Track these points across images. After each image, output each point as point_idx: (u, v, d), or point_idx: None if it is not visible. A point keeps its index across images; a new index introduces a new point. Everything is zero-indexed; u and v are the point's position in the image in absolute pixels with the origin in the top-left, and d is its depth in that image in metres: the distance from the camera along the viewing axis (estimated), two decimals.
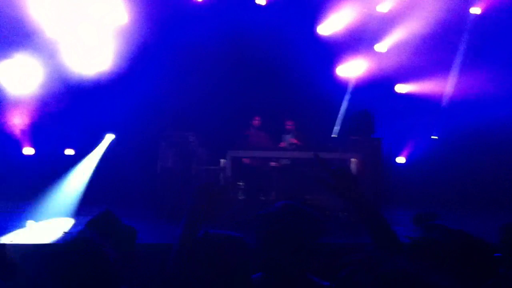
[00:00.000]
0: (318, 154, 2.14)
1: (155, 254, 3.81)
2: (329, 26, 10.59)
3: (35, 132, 9.55)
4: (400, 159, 10.80)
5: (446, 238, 1.79)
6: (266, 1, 10.39)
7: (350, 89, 10.55)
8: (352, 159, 8.09)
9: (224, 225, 2.50)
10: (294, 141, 9.15)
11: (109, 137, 9.94)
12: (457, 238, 1.79)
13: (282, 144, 9.18)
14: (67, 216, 7.31)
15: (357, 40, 10.49)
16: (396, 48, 10.44)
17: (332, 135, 8.35)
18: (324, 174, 2.05)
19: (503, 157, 10.06)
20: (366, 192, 2.04)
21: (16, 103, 9.23)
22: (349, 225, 6.60)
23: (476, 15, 10.31)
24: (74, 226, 6.55)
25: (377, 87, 10.55)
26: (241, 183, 8.35)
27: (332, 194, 2.02)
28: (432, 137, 10.77)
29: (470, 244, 1.79)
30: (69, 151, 9.87)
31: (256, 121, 9.35)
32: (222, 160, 8.40)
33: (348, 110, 9.20)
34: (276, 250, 1.99)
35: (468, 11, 10.34)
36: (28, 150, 9.62)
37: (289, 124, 9.36)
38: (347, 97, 10.46)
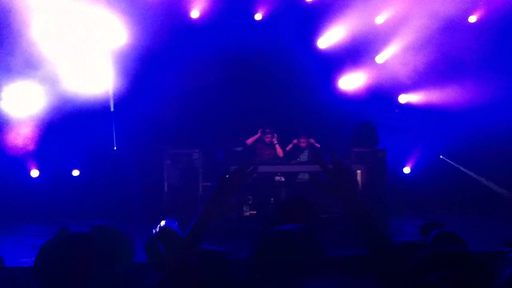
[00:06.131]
0: (316, 155, 2.16)
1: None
2: (329, 39, 10.64)
3: (40, 155, 9.60)
4: (406, 169, 10.78)
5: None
6: (262, 16, 10.45)
7: (352, 101, 10.56)
8: (358, 171, 8.10)
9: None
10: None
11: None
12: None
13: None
14: None
15: (357, 52, 10.52)
16: (397, 59, 10.47)
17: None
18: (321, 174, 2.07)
19: (508, 163, 10.02)
20: (369, 202, 2.06)
21: (21, 127, 9.30)
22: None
23: (474, 23, 10.36)
24: None
25: (380, 98, 10.58)
26: (249, 198, 8.33)
27: (328, 195, 2.03)
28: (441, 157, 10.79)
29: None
30: (75, 172, 9.92)
31: (267, 138, 9.38)
32: (227, 176, 8.38)
33: (351, 122, 9.20)
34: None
35: (467, 20, 10.38)
36: (34, 173, 9.68)
37: (302, 142, 9.42)
38: (350, 109, 10.48)
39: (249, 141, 9.39)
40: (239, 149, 9.29)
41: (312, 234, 2.00)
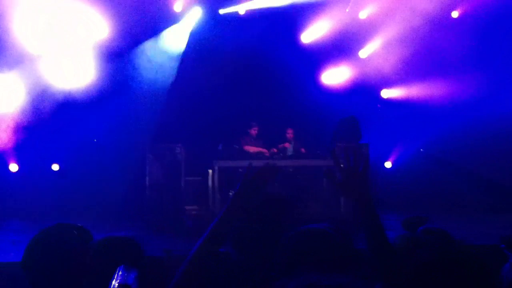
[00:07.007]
0: (333, 149, 2.11)
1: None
2: (312, 34, 10.62)
3: (19, 149, 9.45)
4: (387, 164, 10.81)
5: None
6: (245, 11, 10.37)
7: (336, 95, 10.56)
8: (342, 165, 8.07)
9: None
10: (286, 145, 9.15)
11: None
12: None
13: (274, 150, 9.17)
14: None
15: (341, 46, 10.53)
16: (380, 54, 10.50)
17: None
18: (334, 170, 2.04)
19: (491, 160, 10.10)
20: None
21: (0, 121, 9.14)
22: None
23: (456, 18, 10.41)
24: None
25: (363, 93, 10.60)
26: (231, 193, 8.28)
27: (338, 191, 2.01)
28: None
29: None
30: (55, 166, 9.78)
31: (254, 131, 9.30)
32: (210, 171, 8.36)
33: (334, 116, 9.21)
34: None
35: (450, 15, 10.44)
36: (13, 167, 9.52)
37: (289, 132, 9.38)
38: (333, 104, 10.49)
39: (247, 148, 9.13)
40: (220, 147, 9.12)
41: (344, 231, 1.96)
